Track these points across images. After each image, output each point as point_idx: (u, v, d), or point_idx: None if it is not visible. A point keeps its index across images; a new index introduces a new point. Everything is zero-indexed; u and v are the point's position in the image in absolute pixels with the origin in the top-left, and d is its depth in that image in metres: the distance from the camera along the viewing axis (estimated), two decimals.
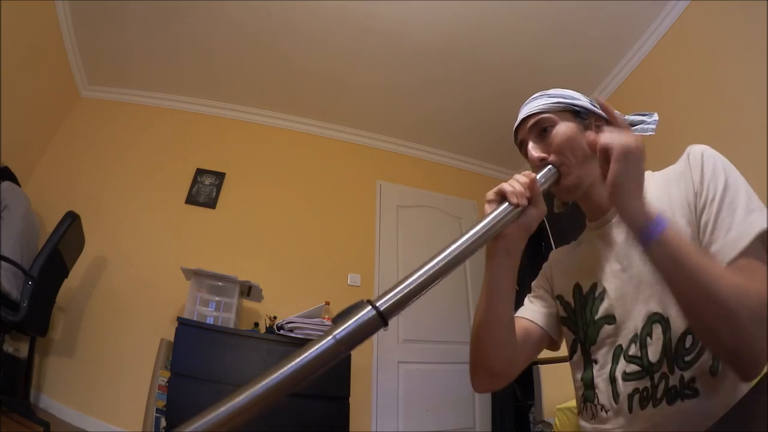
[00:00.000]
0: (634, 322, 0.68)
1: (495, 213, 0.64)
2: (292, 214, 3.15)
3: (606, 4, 2.41)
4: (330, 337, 0.47)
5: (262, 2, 2.53)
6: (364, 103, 3.28)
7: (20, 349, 2.21)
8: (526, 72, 2.85)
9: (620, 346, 0.69)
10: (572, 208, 0.86)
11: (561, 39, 2.63)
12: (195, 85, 3.22)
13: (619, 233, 0.74)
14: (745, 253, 0.57)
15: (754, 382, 0.55)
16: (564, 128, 0.75)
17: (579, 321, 0.77)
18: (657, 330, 0.65)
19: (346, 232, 3.20)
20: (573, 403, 1.35)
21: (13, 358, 2.15)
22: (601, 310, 0.72)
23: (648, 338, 0.66)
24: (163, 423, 2.07)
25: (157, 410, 2.15)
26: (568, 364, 0.82)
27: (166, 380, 2.13)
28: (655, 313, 0.65)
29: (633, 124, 0.80)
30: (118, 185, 2.95)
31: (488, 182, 3.78)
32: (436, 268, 0.55)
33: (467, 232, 0.60)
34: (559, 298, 0.82)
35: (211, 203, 3.03)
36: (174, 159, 3.12)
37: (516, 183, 0.66)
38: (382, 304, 0.50)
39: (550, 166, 0.73)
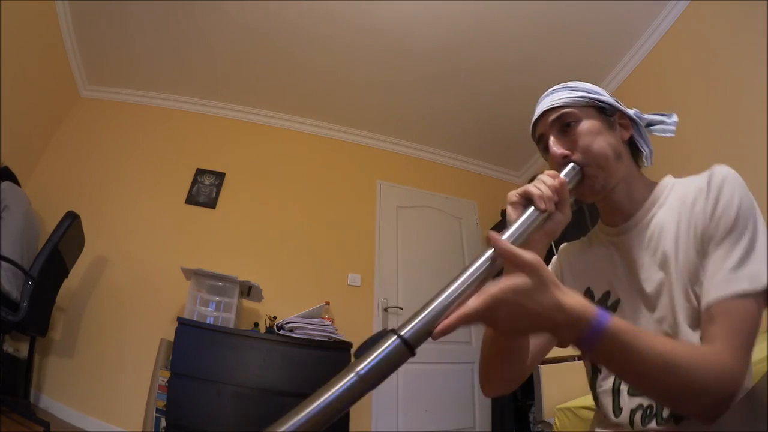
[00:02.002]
0: None
1: (522, 219, 0.58)
2: (292, 214, 3.15)
3: (606, 4, 2.41)
4: (353, 374, 0.42)
5: (261, 2, 2.53)
6: (364, 102, 3.28)
7: (20, 349, 2.21)
8: (526, 71, 2.84)
9: None
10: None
11: (561, 38, 2.63)
12: (195, 86, 3.22)
13: (638, 243, 0.69)
14: (720, 301, 0.55)
15: (754, 382, 0.55)
16: (589, 126, 0.70)
17: None
18: None
19: (346, 232, 3.20)
20: (573, 403, 1.36)
21: (13, 358, 2.15)
22: None
23: None
24: (163, 423, 2.07)
25: (157, 410, 2.15)
26: (567, 364, 0.82)
27: (166, 380, 2.13)
28: (668, 335, 0.62)
29: (652, 123, 0.77)
30: (118, 185, 2.95)
31: (488, 182, 3.79)
32: (465, 285, 0.49)
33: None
34: None
35: (211, 203, 3.03)
36: (174, 159, 3.12)
37: (543, 186, 0.60)
38: (408, 331, 0.45)
39: (573, 164, 0.68)
